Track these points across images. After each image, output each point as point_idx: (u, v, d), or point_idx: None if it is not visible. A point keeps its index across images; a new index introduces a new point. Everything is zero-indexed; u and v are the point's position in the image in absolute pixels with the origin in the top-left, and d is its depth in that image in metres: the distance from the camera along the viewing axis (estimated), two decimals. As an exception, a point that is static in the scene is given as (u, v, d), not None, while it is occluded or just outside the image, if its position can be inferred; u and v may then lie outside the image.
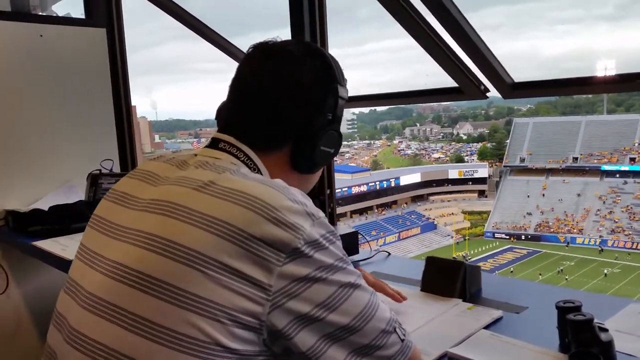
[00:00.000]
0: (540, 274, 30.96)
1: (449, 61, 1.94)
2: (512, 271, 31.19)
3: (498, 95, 2.01)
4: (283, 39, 1.04)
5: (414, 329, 1.16)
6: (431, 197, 48.72)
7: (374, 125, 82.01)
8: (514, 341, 1.09)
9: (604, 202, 40.58)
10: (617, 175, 41.82)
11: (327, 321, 0.79)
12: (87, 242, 0.94)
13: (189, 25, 2.82)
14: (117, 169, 2.62)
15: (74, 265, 0.93)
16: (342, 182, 42.78)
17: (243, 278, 0.75)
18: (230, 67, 1.15)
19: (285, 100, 0.96)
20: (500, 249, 37.53)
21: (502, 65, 1.96)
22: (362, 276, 0.88)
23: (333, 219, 2.20)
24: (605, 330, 0.99)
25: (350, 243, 1.76)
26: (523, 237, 39.66)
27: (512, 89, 1.94)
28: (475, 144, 61.02)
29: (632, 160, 41.66)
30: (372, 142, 71.42)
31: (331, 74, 1.01)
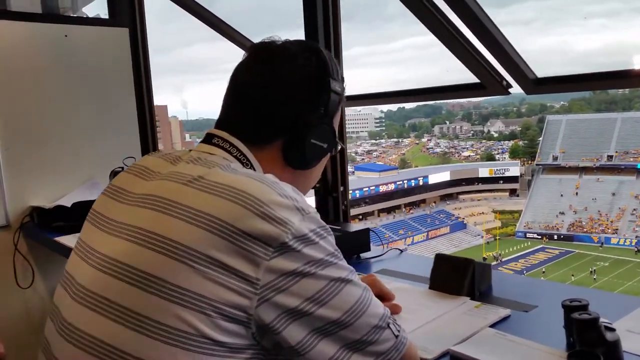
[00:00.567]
0: (572, 275, 30.26)
1: (470, 57, 1.92)
2: (544, 272, 30.60)
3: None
4: (285, 39, 1.05)
5: (418, 327, 1.15)
6: (461, 196, 48.14)
7: (402, 123, 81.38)
8: (519, 340, 1.07)
9: (640, 202, 39.43)
10: (655, 174, 40.59)
11: (316, 315, 0.79)
12: (84, 236, 0.96)
13: (212, 26, 2.86)
14: (139, 166, 2.66)
15: (70, 259, 0.96)
16: (370, 180, 42.69)
17: (231, 272, 0.76)
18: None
19: (276, 95, 0.98)
20: (532, 249, 36.88)
21: (524, 60, 1.92)
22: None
23: (347, 216, 2.19)
24: (612, 330, 0.96)
25: (362, 240, 1.75)
26: (555, 237, 38.85)
27: (536, 84, 1.90)
28: (506, 141, 60.04)
29: (671, 158, 40.36)
30: (400, 140, 70.88)
31: (324, 68, 1.01)
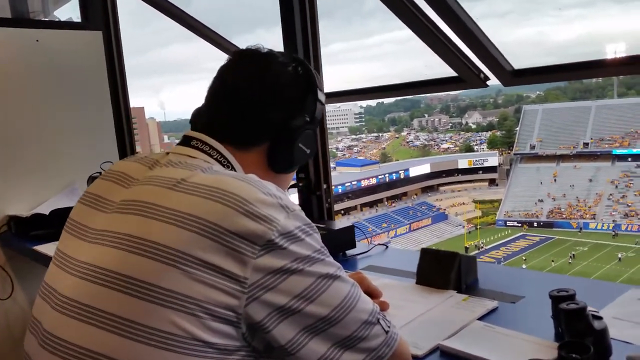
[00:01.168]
0: (552, 261, 30.75)
1: (448, 51, 1.93)
2: (524, 259, 31.01)
3: (505, 83, 1.98)
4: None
5: (407, 323, 1.15)
6: (441, 188, 48.54)
7: (382, 118, 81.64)
8: (508, 332, 1.07)
9: (616, 187, 40.16)
10: (629, 159, 41.36)
11: (305, 312, 0.78)
12: (62, 246, 0.95)
13: (187, 26, 2.82)
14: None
15: (49, 270, 0.94)
16: (351, 175, 42.76)
17: (218, 272, 0.75)
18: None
19: (265, 99, 0.99)
20: (513, 236, 37.34)
21: (501, 53, 1.94)
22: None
23: (331, 214, 2.19)
24: (600, 318, 0.97)
25: (347, 237, 1.75)
26: (535, 225, 39.39)
27: (513, 76, 1.92)
28: (484, 132, 60.61)
29: (645, 143, 41.19)
30: (380, 134, 71.12)
31: (311, 77, 1.04)
